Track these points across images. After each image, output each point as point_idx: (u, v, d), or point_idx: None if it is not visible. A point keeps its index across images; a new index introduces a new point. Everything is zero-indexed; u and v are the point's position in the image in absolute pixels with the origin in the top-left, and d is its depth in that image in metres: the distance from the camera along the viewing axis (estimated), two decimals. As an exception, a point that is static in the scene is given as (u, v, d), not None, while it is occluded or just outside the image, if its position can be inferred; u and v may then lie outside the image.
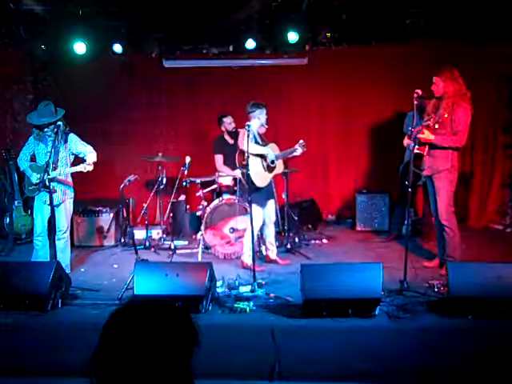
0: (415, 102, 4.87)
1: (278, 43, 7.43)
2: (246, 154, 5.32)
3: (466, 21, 6.65)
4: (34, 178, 5.36)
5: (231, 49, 7.58)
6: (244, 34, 7.17)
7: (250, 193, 5.34)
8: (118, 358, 1.33)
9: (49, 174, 5.09)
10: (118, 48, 7.23)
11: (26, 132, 8.00)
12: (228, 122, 7.03)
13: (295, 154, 5.90)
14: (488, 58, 7.33)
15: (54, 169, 5.27)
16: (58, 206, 5.38)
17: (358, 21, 6.94)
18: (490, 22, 6.63)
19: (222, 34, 7.33)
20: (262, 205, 5.79)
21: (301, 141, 5.88)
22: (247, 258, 5.67)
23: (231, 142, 7.04)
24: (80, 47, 6.98)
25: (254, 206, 5.43)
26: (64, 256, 5.43)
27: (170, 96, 8.18)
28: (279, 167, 5.98)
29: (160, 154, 6.82)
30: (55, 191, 5.32)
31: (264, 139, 5.88)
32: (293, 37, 6.97)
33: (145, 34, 7.32)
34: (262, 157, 5.74)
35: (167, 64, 7.82)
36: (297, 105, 8.13)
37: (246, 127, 5.25)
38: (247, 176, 5.51)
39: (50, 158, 5.09)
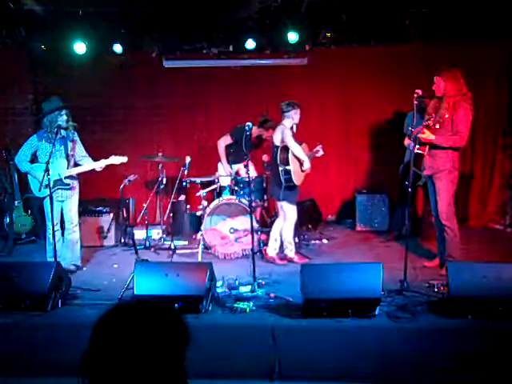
0: (415, 102, 4.86)
1: (277, 43, 7.43)
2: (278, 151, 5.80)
3: (465, 21, 6.65)
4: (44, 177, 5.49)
5: (231, 49, 7.57)
6: (244, 34, 7.17)
7: (285, 190, 5.81)
8: (107, 359, 1.32)
9: (60, 174, 5.43)
10: (117, 48, 7.22)
11: (26, 132, 8.05)
12: (262, 131, 6.98)
13: (317, 155, 6.27)
14: (488, 58, 7.33)
15: (72, 166, 5.58)
16: (69, 198, 5.67)
17: (357, 21, 6.94)
18: (490, 22, 6.63)
19: (221, 33, 7.33)
20: (294, 202, 6.04)
21: (318, 143, 6.29)
22: (272, 251, 6.01)
23: (254, 140, 7.01)
24: (80, 47, 6.98)
25: (287, 203, 5.92)
26: (77, 248, 5.72)
27: (170, 96, 8.17)
28: (308, 168, 6.10)
29: (160, 154, 6.82)
30: (74, 188, 5.64)
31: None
32: (293, 37, 6.97)
33: (145, 34, 7.32)
34: (298, 159, 5.92)
35: (167, 64, 7.82)
36: (297, 105, 8.12)
37: (246, 127, 5.25)
38: (287, 173, 5.77)
39: (50, 157, 5.19)
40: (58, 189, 5.53)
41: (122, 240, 7.03)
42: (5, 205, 7.14)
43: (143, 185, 7.81)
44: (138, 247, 5.66)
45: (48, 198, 5.48)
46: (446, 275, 4.26)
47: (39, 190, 5.42)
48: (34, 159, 5.63)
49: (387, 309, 4.24)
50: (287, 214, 5.98)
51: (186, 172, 6.52)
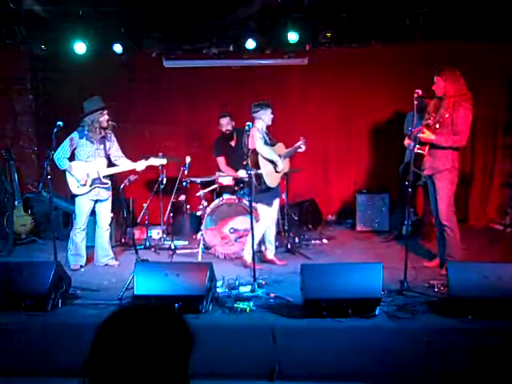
0: (415, 102, 4.86)
1: (277, 43, 7.43)
2: (248, 155, 5.49)
3: (466, 21, 6.65)
4: (82, 175, 5.63)
5: (231, 49, 7.57)
6: (244, 34, 7.17)
7: (259, 193, 5.63)
8: (110, 365, 1.31)
9: (101, 172, 5.64)
10: (118, 48, 7.22)
11: (26, 132, 8.05)
12: (223, 124, 6.96)
13: (299, 150, 6.02)
14: (488, 58, 7.33)
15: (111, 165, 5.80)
16: (105, 200, 5.81)
17: (357, 21, 6.94)
18: (490, 22, 6.63)
19: (222, 33, 7.33)
20: (271, 204, 5.88)
21: (302, 138, 6.00)
22: (247, 256, 5.70)
23: (231, 143, 7.02)
24: (80, 47, 6.98)
25: (262, 205, 5.77)
26: (108, 247, 5.98)
27: (170, 96, 8.18)
28: (286, 166, 6.04)
29: (160, 154, 6.80)
30: (110, 190, 5.81)
31: (272, 139, 5.92)
32: (293, 37, 6.97)
33: (145, 34, 7.32)
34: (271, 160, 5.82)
35: (167, 64, 7.82)
36: (297, 105, 8.13)
37: (246, 127, 5.25)
38: (259, 177, 5.65)
39: (97, 155, 5.62)
40: (95, 187, 5.67)
41: (122, 240, 7.04)
42: (5, 205, 7.14)
43: (143, 185, 7.80)
44: (137, 247, 5.66)
45: (82, 196, 5.66)
46: (446, 275, 4.27)
47: (70, 188, 5.65)
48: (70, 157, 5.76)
49: (387, 309, 4.23)
50: (261, 216, 5.80)
51: (186, 172, 6.51)
